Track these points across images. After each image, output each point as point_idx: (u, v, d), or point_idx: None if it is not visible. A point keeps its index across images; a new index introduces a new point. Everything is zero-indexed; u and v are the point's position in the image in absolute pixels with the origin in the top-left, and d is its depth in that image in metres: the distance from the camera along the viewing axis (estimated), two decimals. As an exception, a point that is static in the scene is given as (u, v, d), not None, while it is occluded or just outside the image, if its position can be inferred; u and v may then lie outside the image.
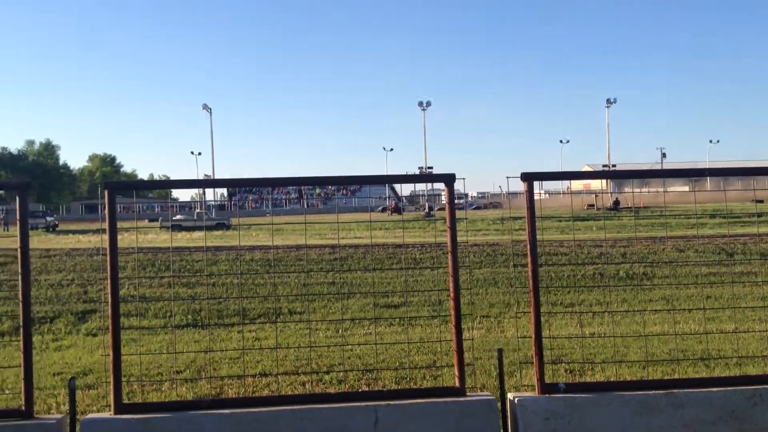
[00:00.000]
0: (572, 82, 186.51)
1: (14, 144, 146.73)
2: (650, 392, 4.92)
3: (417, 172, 77.89)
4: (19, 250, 4.61)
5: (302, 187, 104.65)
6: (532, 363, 5.12)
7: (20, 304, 4.68)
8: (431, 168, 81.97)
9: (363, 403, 4.81)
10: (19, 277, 4.64)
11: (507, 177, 5.54)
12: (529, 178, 5.12)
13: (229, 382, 8.50)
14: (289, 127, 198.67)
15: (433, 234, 34.99)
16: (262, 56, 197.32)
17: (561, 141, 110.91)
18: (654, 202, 54.07)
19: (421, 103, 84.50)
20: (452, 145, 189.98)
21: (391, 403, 4.80)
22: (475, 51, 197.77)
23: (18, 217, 4.61)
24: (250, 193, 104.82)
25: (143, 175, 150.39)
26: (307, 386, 8.14)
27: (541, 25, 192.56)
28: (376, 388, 7.74)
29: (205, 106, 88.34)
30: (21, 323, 4.70)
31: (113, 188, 4.90)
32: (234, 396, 7.65)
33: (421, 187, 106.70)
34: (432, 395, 4.95)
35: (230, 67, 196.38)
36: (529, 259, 5.08)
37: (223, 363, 9.80)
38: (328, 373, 8.76)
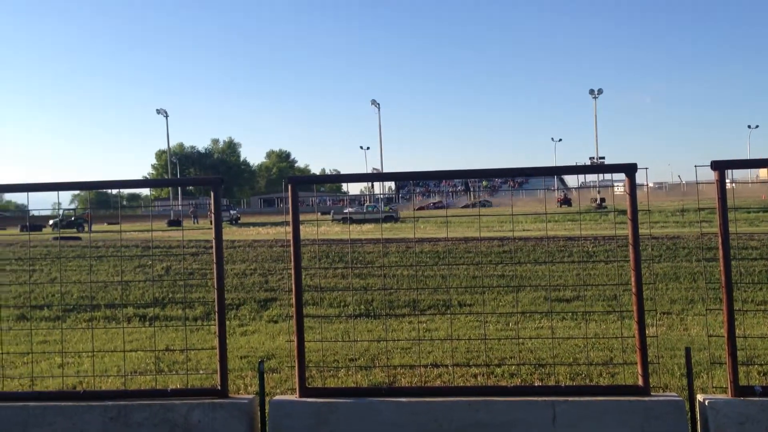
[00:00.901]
0: (760, 63, 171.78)
1: (202, 143, 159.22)
2: None
3: (588, 163, 75.14)
4: (213, 240, 4.95)
5: (469, 180, 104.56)
6: (721, 363, 4.78)
7: (215, 291, 5.02)
8: (603, 158, 78.76)
9: (540, 398, 4.72)
10: (214, 266, 4.98)
11: (695, 166, 5.19)
12: (720, 166, 4.77)
13: (402, 371, 8.66)
14: (455, 120, 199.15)
15: (606, 226, 33.65)
16: (428, 50, 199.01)
17: (749, 126, 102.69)
18: None
19: (592, 91, 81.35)
20: (625, 134, 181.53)
21: (570, 399, 4.67)
22: (648, 34, 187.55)
23: (212, 211, 4.95)
24: (417, 186, 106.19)
25: (315, 169, 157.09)
26: (479, 378, 8.12)
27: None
28: (549, 383, 7.57)
29: (374, 102, 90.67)
30: (216, 309, 5.04)
31: (295, 182, 5.13)
32: (407, 385, 7.79)
33: (591, 178, 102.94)
34: (613, 393, 4.76)
35: (398, 62, 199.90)
36: (720, 253, 4.73)
37: (395, 352, 10.00)
38: (499, 366, 8.68)
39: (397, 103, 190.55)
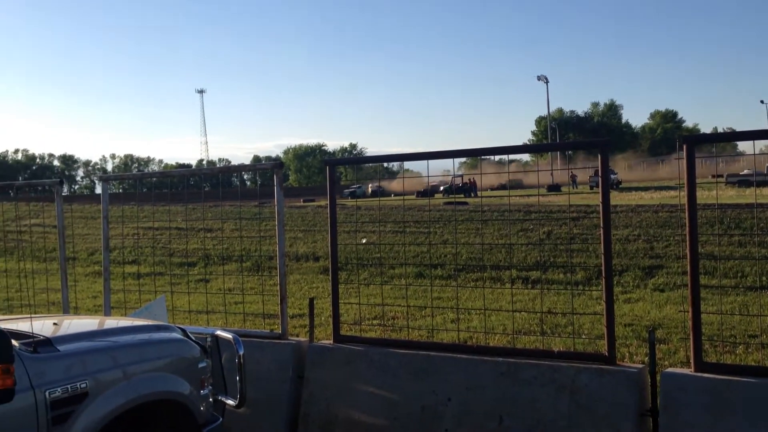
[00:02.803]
0: None
1: (581, 107, 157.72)
2: None
3: None
4: (600, 205, 4.84)
5: None
6: None
7: (602, 256, 4.92)
8: None
9: None
10: (601, 230, 4.87)
11: None
12: None
13: (816, 354, 7.61)
14: None
15: None
16: None
17: None
18: None
19: None
20: None
21: None
22: None
23: (600, 173, 4.83)
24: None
25: (705, 129, 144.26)
26: None
27: None
28: None
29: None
30: (603, 275, 4.93)
31: (691, 142, 4.73)
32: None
33: None
34: None
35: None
36: None
37: (807, 332, 8.80)
38: None
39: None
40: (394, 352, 5.57)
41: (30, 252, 14.74)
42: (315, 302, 6.62)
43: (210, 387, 4.51)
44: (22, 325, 4.01)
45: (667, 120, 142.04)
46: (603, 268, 4.92)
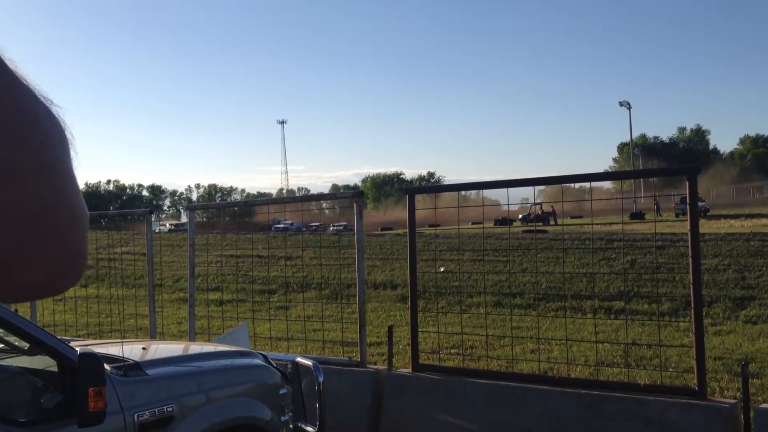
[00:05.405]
0: None
1: (666, 133, 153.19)
2: None
3: None
4: (689, 233, 4.68)
5: None
6: None
7: (691, 287, 4.75)
8: None
9: None
10: (689, 259, 4.71)
11: None
12: None
13: None
14: None
15: None
16: None
17: None
18: None
19: None
20: None
21: None
22: None
23: (688, 201, 4.68)
24: None
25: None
26: None
27: None
28: None
29: None
30: (692, 306, 4.76)
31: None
32: None
33: None
34: None
35: None
36: None
37: None
38: None
39: None
40: (473, 382, 5.51)
41: (120, 279, 15.32)
42: (393, 330, 6.62)
43: (290, 413, 4.56)
44: (112, 349, 4.16)
45: (758, 145, 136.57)
46: (692, 298, 4.75)
